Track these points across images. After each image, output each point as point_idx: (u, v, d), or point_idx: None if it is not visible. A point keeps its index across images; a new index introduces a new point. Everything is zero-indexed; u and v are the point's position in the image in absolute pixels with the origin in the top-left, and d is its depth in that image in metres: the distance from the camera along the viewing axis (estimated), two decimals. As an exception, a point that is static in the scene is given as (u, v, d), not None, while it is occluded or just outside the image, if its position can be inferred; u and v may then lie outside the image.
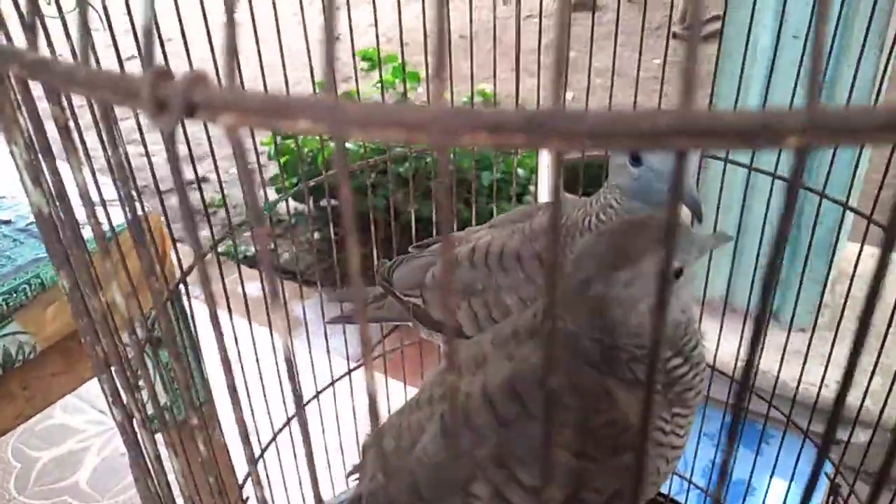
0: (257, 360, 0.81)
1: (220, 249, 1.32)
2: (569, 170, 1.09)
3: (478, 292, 0.76)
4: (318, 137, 2.22)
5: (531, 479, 0.55)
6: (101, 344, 0.27)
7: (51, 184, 0.23)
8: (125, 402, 0.29)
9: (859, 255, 0.79)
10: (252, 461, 0.25)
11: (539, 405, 0.55)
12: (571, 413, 0.55)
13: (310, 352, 0.91)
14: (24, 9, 0.17)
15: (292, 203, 2.32)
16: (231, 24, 0.13)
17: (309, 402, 0.86)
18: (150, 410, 0.94)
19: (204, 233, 2.35)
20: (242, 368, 0.78)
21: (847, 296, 0.81)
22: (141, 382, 0.89)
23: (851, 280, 0.80)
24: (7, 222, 0.86)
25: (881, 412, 0.79)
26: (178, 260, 0.77)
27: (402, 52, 0.90)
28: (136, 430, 0.33)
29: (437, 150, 0.13)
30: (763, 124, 0.11)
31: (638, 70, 0.81)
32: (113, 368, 0.29)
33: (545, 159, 0.86)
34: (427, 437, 0.61)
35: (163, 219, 0.97)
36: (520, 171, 1.99)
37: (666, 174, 0.65)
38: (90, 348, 0.28)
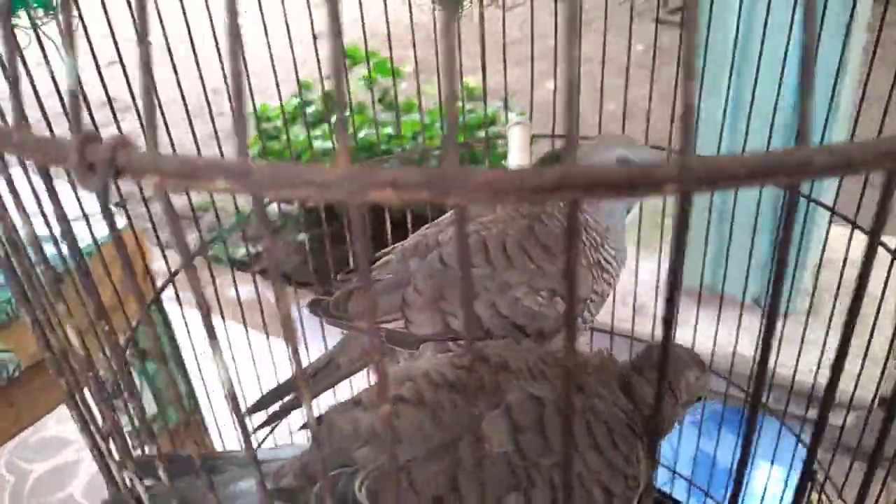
0: (254, 363, 0.82)
1: (209, 253, 1.32)
2: (545, 162, 1.10)
3: (481, 293, 0.74)
4: (304, 138, 2.22)
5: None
6: (65, 376, 0.28)
7: (2, 231, 0.23)
8: (91, 430, 0.30)
9: (850, 240, 0.81)
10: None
11: (603, 438, 0.60)
12: (616, 457, 0.61)
13: (308, 354, 0.92)
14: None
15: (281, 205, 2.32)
16: (148, 92, 0.14)
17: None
18: (136, 423, 0.95)
19: (192, 235, 2.35)
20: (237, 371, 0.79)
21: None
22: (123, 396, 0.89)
23: (844, 267, 0.81)
24: (-14, 241, 0.86)
25: (852, 394, 0.81)
26: (167, 265, 0.77)
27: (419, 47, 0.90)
28: (106, 457, 0.34)
29: (349, 203, 0.14)
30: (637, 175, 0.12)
31: (629, 57, 0.82)
32: (84, 394, 0.29)
33: (514, 136, 0.85)
34: (495, 429, 0.58)
35: (149, 226, 0.98)
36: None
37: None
38: (56, 378, 0.28)
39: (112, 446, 0.32)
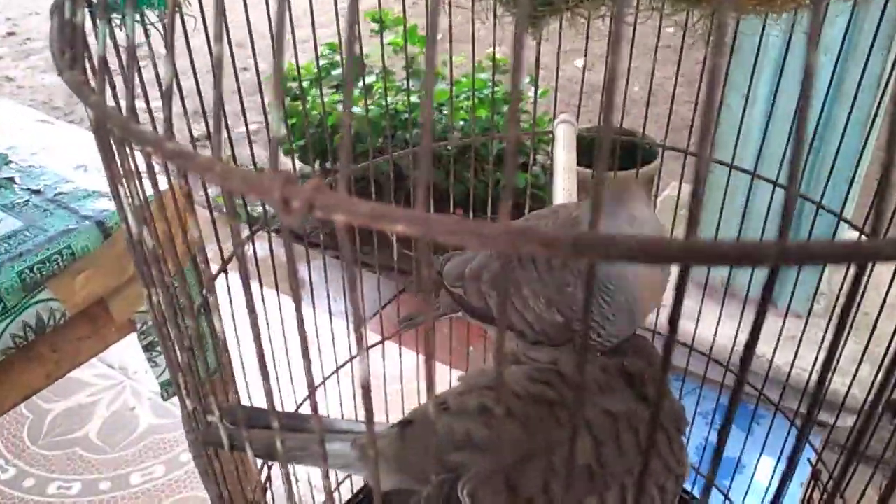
0: (267, 322, 0.84)
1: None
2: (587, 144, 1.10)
3: None
4: (329, 101, 2.23)
5: None
6: (182, 349, 0.31)
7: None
8: (201, 398, 0.33)
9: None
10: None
11: (663, 444, 0.65)
12: (671, 459, 0.67)
13: (315, 315, 0.95)
14: (160, 102, 0.20)
15: (298, 164, 2.34)
16: (348, 140, 0.17)
17: (331, 375, 0.91)
18: (166, 377, 0.98)
19: (201, 193, 2.38)
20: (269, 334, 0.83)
21: (842, 284, 0.85)
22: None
23: (848, 269, 0.84)
24: (37, 192, 0.90)
25: (866, 398, 0.83)
26: (217, 237, 0.79)
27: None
28: (204, 418, 0.37)
29: (502, 256, 0.17)
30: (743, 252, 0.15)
31: (658, 39, 0.83)
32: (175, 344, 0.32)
33: (560, 134, 0.88)
34: (580, 443, 0.63)
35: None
36: (526, 142, 2.01)
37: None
38: (170, 351, 0.31)
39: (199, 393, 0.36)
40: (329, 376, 0.89)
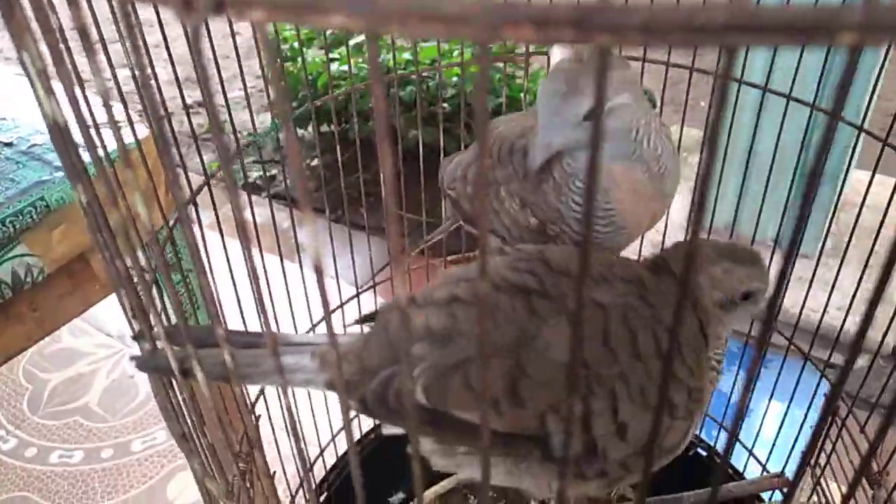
0: (268, 286, 0.80)
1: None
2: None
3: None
4: (319, 60, 2.17)
5: (628, 415, 0.55)
6: (120, 258, 0.27)
7: (63, 92, 0.22)
8: (147, 313, 0.29)
9: (870, 182, 0.79)
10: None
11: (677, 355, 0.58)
12: (680, 368, 0.59)
13: (302, 278, 0.91)
14: None
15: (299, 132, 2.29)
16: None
17: (317, 324, 0.88)
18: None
19: (196, 160, 2.33)
20: (270, 294, 0.79)
21: (855, 224, 0.81)
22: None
23: (861, 207, 0.80)
24: (9, 144, 0.85)
25: (882, 340, 0.80)
26: (189, 182, 0.75)
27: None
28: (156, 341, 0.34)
29: (480, 45, 0.13)
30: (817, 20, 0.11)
31: None
32: (134, 279, 0.29)
33: (556, 52, 0.85)
34: (556, 337, 0.55)
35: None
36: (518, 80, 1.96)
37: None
38: (109, 263, 0.27)
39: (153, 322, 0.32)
40: (318, 323, 0.85)
